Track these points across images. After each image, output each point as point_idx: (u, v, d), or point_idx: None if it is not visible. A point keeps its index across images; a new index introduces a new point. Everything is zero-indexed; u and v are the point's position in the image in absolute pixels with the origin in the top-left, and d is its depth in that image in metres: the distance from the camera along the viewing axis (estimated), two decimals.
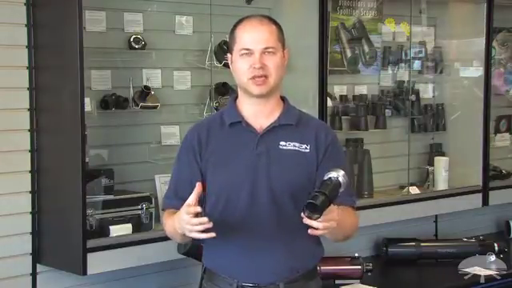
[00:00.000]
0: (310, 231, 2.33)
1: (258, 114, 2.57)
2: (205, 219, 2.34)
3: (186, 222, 2.36)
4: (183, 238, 2.51)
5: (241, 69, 2.52)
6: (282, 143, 2.55)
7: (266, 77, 2.49)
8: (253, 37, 2.50)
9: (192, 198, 2.37)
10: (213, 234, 2.35)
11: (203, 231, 2.35)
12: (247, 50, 2.49)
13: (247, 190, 2.50)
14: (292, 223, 2.48)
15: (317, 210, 2.25)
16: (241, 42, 2.52)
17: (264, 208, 2.50)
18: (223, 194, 2.52)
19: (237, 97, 2.64)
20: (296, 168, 2.50)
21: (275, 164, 2.51)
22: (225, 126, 2.59)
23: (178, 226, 2.44)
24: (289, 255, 2.53)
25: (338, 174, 2.33)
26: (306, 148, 2.55)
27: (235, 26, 2.57)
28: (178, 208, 2.53)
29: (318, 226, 2.30)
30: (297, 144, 2.55)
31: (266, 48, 2.49)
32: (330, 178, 2.32)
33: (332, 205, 2.30)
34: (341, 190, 2.32)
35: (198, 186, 2.39)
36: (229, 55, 2.61)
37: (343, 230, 2.51)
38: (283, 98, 2.65)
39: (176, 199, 2.57)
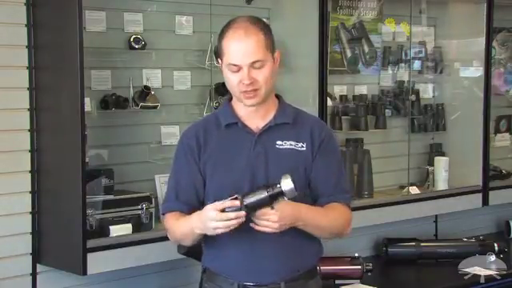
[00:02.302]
0: (251, 224, 2.40)
1: (253, 115, 2.57)
2: (242, 213, 2.35)
3: (216, 217, 2.36)
4: (197, 238, 2.51)
5: (231, 82, 2.51)
6: (279, 142, 2.55)
7: (255, 90, 2.48)
8: (239, 51, 2.46)
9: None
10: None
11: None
12: (235, 65, 2.47)
13: (246, 190, 2.49)
14: None
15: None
16: (228, 56, 2.48)
17: None
18: (222, 195, 2.51)
19: (231, 98, 2.63)
20: (293, 167, 2.50)
21: (273, 164, 2.51)
22: (221, 127, 2.58)
23: (198, 226, 2.43)
24: (289, 254, 2.54)
25: (281, 182, 2.37)
26: (302, 146, 2.56)
27: (222, 35, 2.53)
28: (181, 211, 2.53)
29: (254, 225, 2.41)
30: (293, 143, 2.56)
31: (254, 62, 2.46)
32: (265, 186, 2.40)
33: (271, 208, 2.37)
34: (285, 198, 2.38)
35: (233, 202, 2.39)
36: (219, 60, 2.58)
37: (318, 227, 2.54)
38: (278, 96, 2.64)
39: (177, 202, 2.57)
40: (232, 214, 2.35)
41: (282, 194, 2.37)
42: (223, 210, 2.36)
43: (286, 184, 2.36)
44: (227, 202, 2.37)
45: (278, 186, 2.37)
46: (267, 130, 2.56)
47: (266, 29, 2.53)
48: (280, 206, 2.39)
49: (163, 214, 2.65)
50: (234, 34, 2.48)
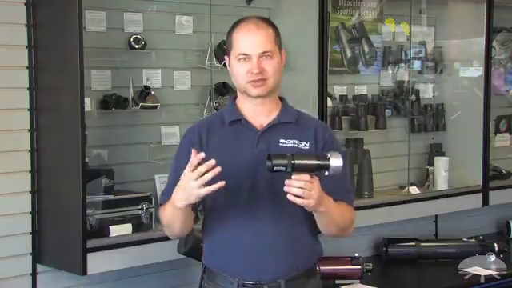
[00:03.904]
0: (288, 196, 2.35)
1: (257, 113, 2.59)
2: (212, 161, 2.30)
3: (190, 176, 2.31)
4: (182, 219, 2.49)
5: (239, 73, 2.53)
6: (282, 140, 2.56)
7: (264, 80, 2.51)
8: (249, 42, 2.51)
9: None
10: (222, 183, 2.33)
11: (209, 185, 2.32)
12: (244, 55, 2.51)
13: (248, 187, 2.50)
14: (292, 220, 2.50)
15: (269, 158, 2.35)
16: (238, 47, 2.53)
17: (264, 205, 2.50)
18: (223, 191, 2.51)
19: (236, 96, 2.65)
20: None
21: None
22: (225, 124, 2.60)
23: (179, 197, 2.39)
24: (289, 252, 2.54)
25: (331, 156, 2.37)
26: (305, 145, 2.57)
27: (232, 30, 2.58)
28: None
29: (290, 188, 2.33)
30: (296, 141, 2.57)
31: (264, 52, 2.50)
32: (315, 154, 2.40)
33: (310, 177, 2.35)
34: (326, 173, 2.37)
35: (194, 152, 2.34)
36: (226, 57, 2.62)
37: (334, 218, 2.53)
38: (281, 98, 2.66)
39: None
40: (203, 168, 2.31)
41: (327, 167, 2.37)
42: None
43: (336, 160, 2.37)
44: (193, 158, 2.33)
45: (328, 157, 2.37)
46: (271, 127, 2.57)
47: (274, 27, 2.59)
48: (315, 181, 2.37)
49: (160, 205, 2.65)
50: (244, 28, 2.54)
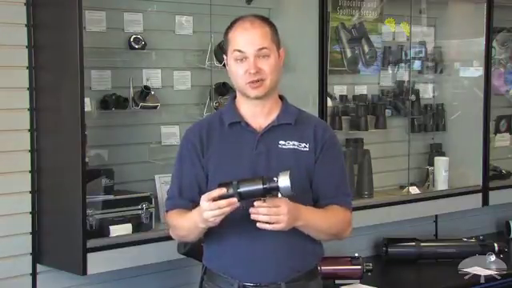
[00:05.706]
0: (258, 224, 2.38)
1: (256, 114, 2.58)
2: (234, 199, 2.33)
3: (208, 207, 2.35)
4: (201, 233, 2.51)
5: (236, 73, 2.52)
6: (282, 142, 2.55)
7: (262, 80, 2.50)
8: (245, 39, 2.50)
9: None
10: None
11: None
12: (240, 51, 2.49)
13: None
14: None
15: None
16: (234, 44, 2.52)
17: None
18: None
19: (235, 96, 2.64)
20: (296, 167, 2.49)
21: (275, 163, 2.51)
22: (224, 126, 2.59)
23: (198, 219, 2.42)
24: (290, 254, 2.54)
25: (278, 177, 2.34)
26: (305, 147, 2.56)
27: (228, 29, 2.57)
28: (184, 208, 2.53)
29: (257, 216, 2.36)
30: (296, 143, 2.56)
31: (260, 49, 2.49)
32: (263, 178, 2.36)
33: (262, 201, 2.36)
34: (279, 195, 2.36)
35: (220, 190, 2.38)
36: (225, 57, 2.61)
37: (318, 228, 2.53)
38: (281, 97, 2.65)
39: (181, 199, 2.57)
40: (223, 202, 2.34)
41: (277, 189, 2.35)
42: (220, 198, 2.35)
43: (283, 181, 2.33)
44: (216, 191, 2.36)
45: (275, 179, 2.35)
46: (270, 129, 2.57)
47: (271, 25, 2.58)
48: (282, 203, 2.37)
49: (167, 211, 2.65)
50: (240, 25, 2.53)
